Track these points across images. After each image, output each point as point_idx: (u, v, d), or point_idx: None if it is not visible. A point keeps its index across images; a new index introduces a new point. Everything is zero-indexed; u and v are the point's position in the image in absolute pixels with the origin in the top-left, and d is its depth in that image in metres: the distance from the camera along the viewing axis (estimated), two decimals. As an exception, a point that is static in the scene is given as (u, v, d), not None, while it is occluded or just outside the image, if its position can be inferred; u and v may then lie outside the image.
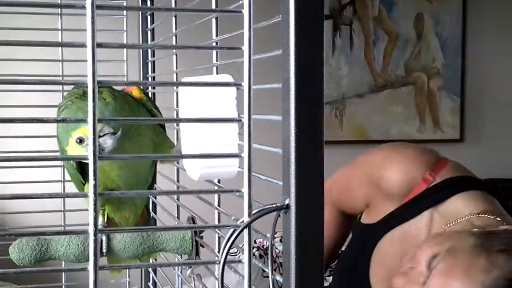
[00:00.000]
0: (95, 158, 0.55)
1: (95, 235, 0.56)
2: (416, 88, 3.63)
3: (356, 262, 1.33)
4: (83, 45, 0.53)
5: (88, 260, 0.56)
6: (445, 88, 3.66)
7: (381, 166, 1.29)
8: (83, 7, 0.51)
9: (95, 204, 0.55)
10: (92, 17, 0.51)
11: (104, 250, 1.02)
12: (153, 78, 1.37)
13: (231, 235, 0.61)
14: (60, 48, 1.40)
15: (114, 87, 1.00)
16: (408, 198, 1.25)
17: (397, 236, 1.26)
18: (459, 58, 3.67)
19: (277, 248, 0.66)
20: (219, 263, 0.61)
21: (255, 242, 2.58)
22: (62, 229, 1.38)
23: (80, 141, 0.93)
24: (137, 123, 1.01)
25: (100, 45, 0.53)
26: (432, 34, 3.64)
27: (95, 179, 0.55)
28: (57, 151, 1.17)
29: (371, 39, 3.55)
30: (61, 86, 1.32)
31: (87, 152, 0.96)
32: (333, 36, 3.49)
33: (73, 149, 0.94)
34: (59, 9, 1.35)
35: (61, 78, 1.39)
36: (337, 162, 3.71)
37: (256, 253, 2.59)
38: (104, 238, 1.01)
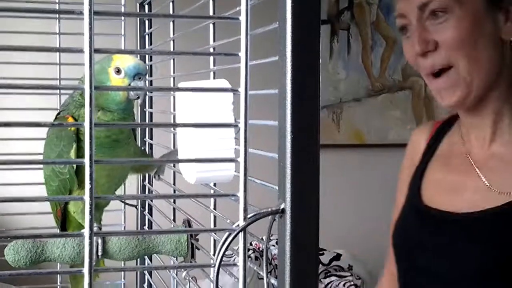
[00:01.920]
0: (91, 162, 0.55)
1: (90, 238, 0.56)
2: (413, 93, 3.64)
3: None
4: (80, 51, 0.54)
5: (83, 262, 0.56)
6: (442, 93, 3.67)
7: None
8: (81, 13, 0.52)
9: (91, 208, 0.56)
10: (90, 24, 0.52)
11: (99, 253, 1.02)
12: (151, 82, 1.38)
13: (226, 238, 0.61)
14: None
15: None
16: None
17: (438, 158, 1.32)
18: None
19: (272, 251, 0.67)
20: (214, 266, 0.62)
21: (251, 244, 2.58)
22: (58, 231, 1.38)
23: (118, 71, 1.00)
24: (128, 127, 1.02)
25: (97, 51, 0.54)
26: (430, 39, 3.65)
27: (91, 183, 0.55)
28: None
29: (369, 44, 3.56)
30: (59, 85, 1.33)
31: (129, 82, 1.00)
32: (330, 40, 3.50)
33: (114, 82, 1.00)
34: (59, 9, 1.35)
35: (58, 81, 1.39)
36: (334, 165, 3.72)
37: (252, 255, 2.59)
38: (100, 240, 1.02)
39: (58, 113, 1.11)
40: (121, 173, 1.14)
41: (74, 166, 1.05)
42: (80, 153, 1.04)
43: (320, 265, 2.73)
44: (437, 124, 1.36)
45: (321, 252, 2.77)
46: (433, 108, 3.65)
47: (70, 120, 1.02)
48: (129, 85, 1.01)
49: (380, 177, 3.65)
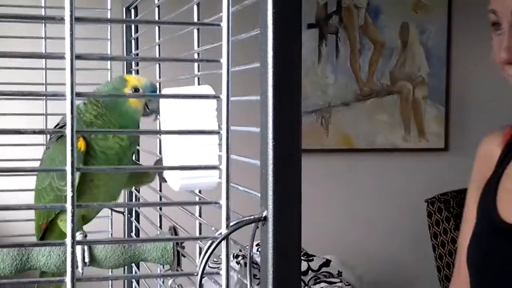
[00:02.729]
0: (73, 169, 0.55)
1: (72, 247, 0.56)
2: (401, 97, 3.66)
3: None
4: (62, 57, 0.53)
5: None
6: (430, 97, 3.69)
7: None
8: (62, 19, 0.52)
9: (73, 216, 0.55)
10: (71, 30, 0.52)
11: (87, 260, 1.02)
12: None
13: (209, 247, 0.61)
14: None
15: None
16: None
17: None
18: (444, 67, 3.69)
19: (255, 260, 0.67)
20: (197, 274, 0.62)
21: (240, 250, 2.58)
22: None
23: (135, 90, 1.01)
24: (110, 134, 1.02)
25: (78, 57, 0.53)
26: (417, 44, 3.67)
27: (72, 191, 0.55)
28: (37, 160, 1.17)
29: (357, 48, 3.57)
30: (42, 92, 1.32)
31: (146, 99, 1.01)
32: (319, 44, 3.51)
33: (133, 102, 1.02)
34: (43, 15, 1.35)
35: (44, 86, 1.38)
36: (323, 169, 3.73)
37: (242, 261, 2.59)
38: (86, 248, 1.01)
39: (58, 125, 1.08)
40: (119, 187, 1.14)
41: (75, 182, 1.04)
42: (86, 174, 1.03)
43: (310, 271, 2.73)
44: (511, 130, 1.27)
45: (311, 258, 2.77)
46: (421, 112, 3.66)
47: (82, 142, 1.01)
48: (146, 103, 1.03)
49: (368, 182, 3.66)
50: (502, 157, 1.26)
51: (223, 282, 0.61)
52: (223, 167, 0.60)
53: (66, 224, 1.10)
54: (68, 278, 0.56)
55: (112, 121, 1.03)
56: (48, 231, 1.14)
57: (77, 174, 1.00)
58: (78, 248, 0.99)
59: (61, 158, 1.04)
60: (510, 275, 1.12)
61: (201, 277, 0.61)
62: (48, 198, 1.08)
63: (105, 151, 1.03)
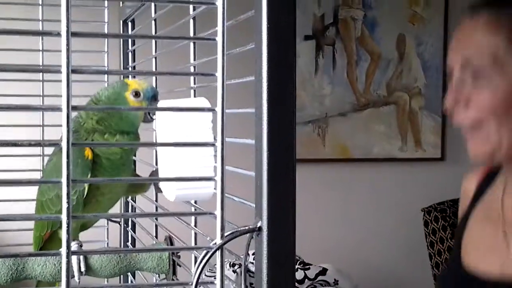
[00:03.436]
0: (68, 181, 0.55)
1: (67, 257, 0.56)
2: (398, 108, 3.67)
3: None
4: (58, 71, 0.54)
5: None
6: (427, 107, 3.70)
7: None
8: (59, 34, 0.53)
9: (68, 227, 0.56)
10: (67, 45, 0.52)
11: (83, 269, 1.02)
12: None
13: (204, 257, 0.62)
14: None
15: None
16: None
17: (478, 210, 1.24)
18: (440, 78, 3.71)
19: (250, 269, 0.67)
20: (192, 284, 0.62)
21: (238, 259, 2.58)
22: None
23: (136, 94, 1.02)
24: (107, 147, 1.03)
25: (74, 71, 0.54)
26: (414, 55, 3.68)
27: (68, 202, 0.55)
28: (37, 170, 1.18)
29: (354, 59, 3.59)
30: (40, 104, 1.33)
31: (146, 103, 1.03)
32: (316, 56, 3.52)
33: (133, 105, 1.03)
34: (40, 30, 1.36)
35: (41, 98, 1.39)
36: (319, 179, 3.73)
37: (238, 270, 2.59)
38: (81, 257, 1.02)
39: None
40: (120, 194, 1.15)
41: (85, 193, 1.04)
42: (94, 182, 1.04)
43: (306, 279, 2.73)
44: (488, 169, 1.28)
45: (307, 266, 2.77)
46: (418, 122, 3.68)
47: (88, 150, 1.02)
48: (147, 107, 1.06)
49: (365, 192, 3.67)
50: (473, 197, 1.27)
51: (218, 292, 0.62)
52: (218, 178, 0.61)
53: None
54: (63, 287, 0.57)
55: (113, 126, 1.03)
56: (49, 240, 1.14)
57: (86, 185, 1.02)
58: (74, 258, 0.99)
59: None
60: None
61: (196, 287, 0.62)
62: (55, 208, 1.08)
63: (109, 157, 1.04)
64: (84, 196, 1.03)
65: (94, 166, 1.03)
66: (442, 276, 1.24)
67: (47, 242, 1.14)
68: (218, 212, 0.62)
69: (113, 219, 1.41)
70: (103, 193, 1.07)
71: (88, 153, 1.02)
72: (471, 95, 1.12)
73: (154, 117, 1.05)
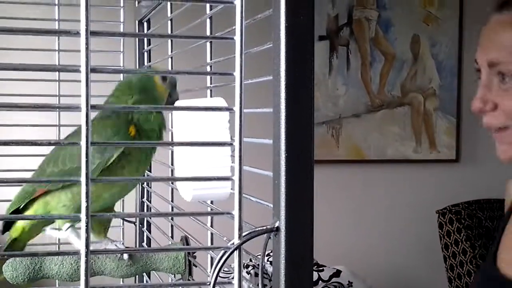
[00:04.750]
0: (87, 180, 0.55)
1: (86, 256, 0.56)
2: (412, 109, 3.65)
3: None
4: (77, 70, 0.54)
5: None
6: (441, 108, 3.68)
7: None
8: (78, 33, 0.53)
9: (87, 226, 0.56)
10: (86, 44, 0.53)
11: (125, 257, 1.03)
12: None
13: (221, 257, 0.62)
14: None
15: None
16: None
17: None
18: (455, 79, 3.69)
19: (267, 270, 0.67)
20: (209, 284, 0.62)
21: (251, 260, 2.58)
22: (57, 247, 1.39)
23: (163, 78, 1.08)
24: (125, 146, 1.03)
25: (93, 70, 0.54)
26: (429, 56, 3.66)
27: (87, 201, 0.55)
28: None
29: (368, 60, 3.58)
30: (56, 104, 1.33)
31: (169, 89, 1.10)
32: (330, 56, 3.52)
33: (160, 89, 1.10)
34: (57, 29, 1.36)
35: (58, 98, 1.40)
36: (333, 181, 3.72)
37: (252, 271, 2.59)
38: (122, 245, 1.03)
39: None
40: (142, 169, 1.17)
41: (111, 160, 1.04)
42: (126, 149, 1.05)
43: (320, 281, 2.72)
44: None
45: (321, 268, 2.76)
46: (432, 123, 3.66)
47: (133, 128, 1.05)
48: (169, 93, 1.11)
49: (379, 193, 3.66)
50: None
51: (235, 292, 0.61)
52: (236, 178, 0.61)
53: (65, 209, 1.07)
54: (82, 287, 0.57)
55: (144, 99, 1.08)
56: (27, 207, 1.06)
57: (118, 150, 1.03)
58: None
59: (104, 134, 1.04)
60: None
61: (214, 287, 0.61)
62: (70, 165, 1.05)
63: (149, 134, 1.07)
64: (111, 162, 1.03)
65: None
66: (476, 283, 1.22)
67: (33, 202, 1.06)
68: (235, 212, 0.61)
69: (128, 219, 1.41)
70: (130, 161, 1.07)
71: (132, 129, 1.04)
72: (498, 97, 1.11)
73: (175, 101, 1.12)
